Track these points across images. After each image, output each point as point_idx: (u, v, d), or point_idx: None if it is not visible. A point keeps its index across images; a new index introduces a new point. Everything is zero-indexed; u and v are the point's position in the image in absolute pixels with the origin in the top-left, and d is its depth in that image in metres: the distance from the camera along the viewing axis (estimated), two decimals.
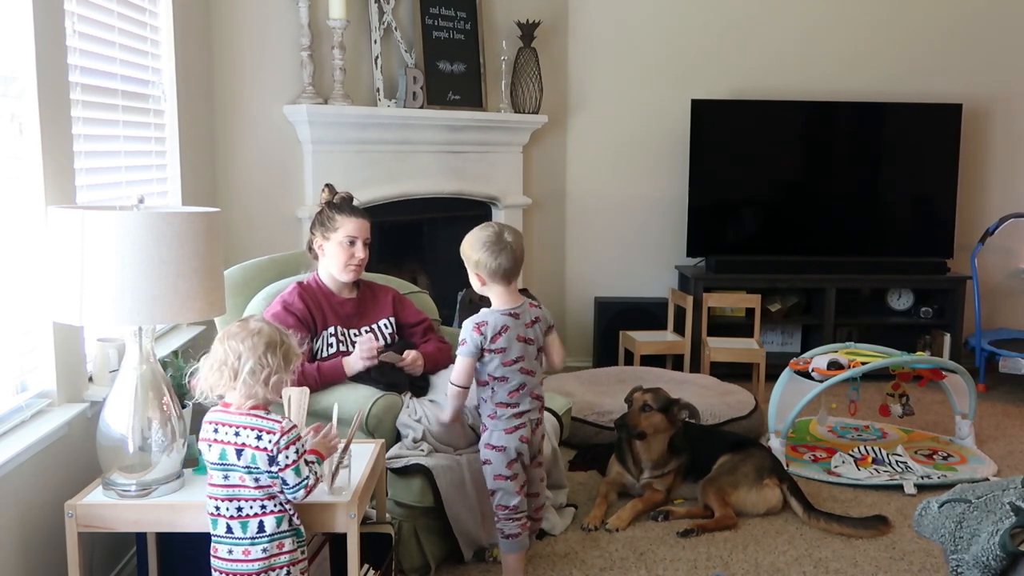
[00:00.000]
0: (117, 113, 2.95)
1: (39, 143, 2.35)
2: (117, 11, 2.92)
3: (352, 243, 3.15)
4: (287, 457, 2.05)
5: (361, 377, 3.11)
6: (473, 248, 2.82)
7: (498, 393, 2.85)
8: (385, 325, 3.29)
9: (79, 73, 2.64)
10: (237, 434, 2.07)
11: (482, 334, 2.80)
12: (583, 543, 3.32)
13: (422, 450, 2.97)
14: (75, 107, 2.60)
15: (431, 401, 3.12)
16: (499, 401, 2.85)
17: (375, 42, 4.43)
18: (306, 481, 2.08)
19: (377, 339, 3.23)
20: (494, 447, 2.86)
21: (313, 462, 2.14)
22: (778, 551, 3.28)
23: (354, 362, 3.08)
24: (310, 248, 3.25)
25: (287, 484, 2.07)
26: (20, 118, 2.33)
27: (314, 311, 3.14)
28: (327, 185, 3.25)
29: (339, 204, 3.19)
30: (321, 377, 3.04)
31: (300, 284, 3.19)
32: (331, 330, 3.16)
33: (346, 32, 4.17)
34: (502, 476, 2.86)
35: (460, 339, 2.82)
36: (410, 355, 3.19)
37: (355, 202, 3.25)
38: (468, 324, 2.82)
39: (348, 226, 3.15)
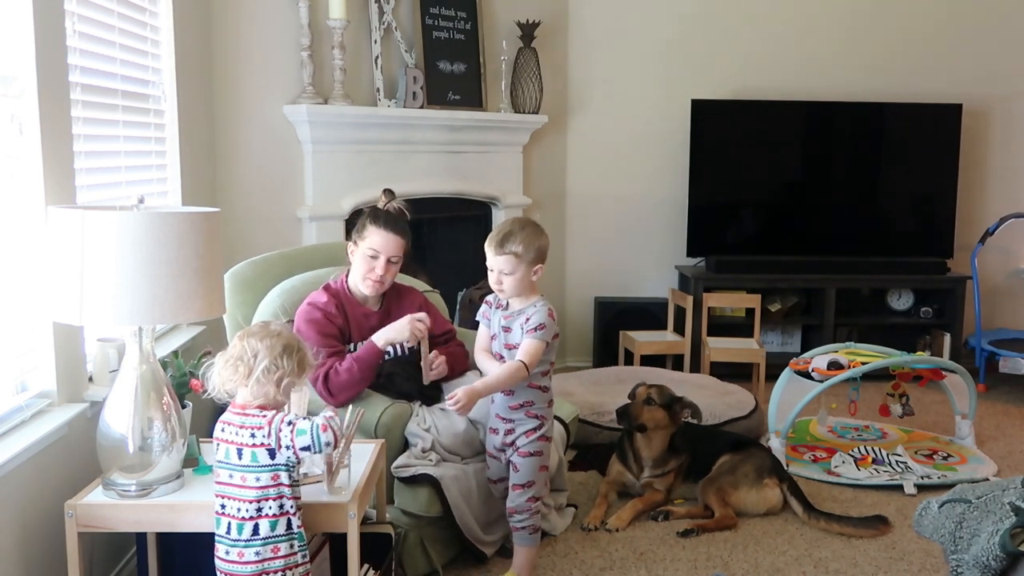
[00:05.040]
0: (117, 113, 2.95)
1: (39, 143, 2.35)
2: (117, 11, 2.92)
3: (374, 257, 2.99)
4: (286, 435, 2.06)
5: (371, 385, 3.03)
6: (543, 238, 2.75)
7: (551, 381, 2.83)
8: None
9: (79, 73, 2.64)
10: (237, 433, 2.08)
11: (555, 320, 2.75)
12: (583, 543, 3.32)
13: (430, 460, 2.93)
14: (75, 107, 2.60)
15: (441, 409, 3.01)
16: (550, 387, 2.84)
17: (375, 42, 4.43)
18: (316, 423, 2.05)
19: (396, 353, 3.08)
20: (548, 439, 2.84)
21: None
22: (778, 551, 3.28)
23: (386, 334, 2.94)
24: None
25: (307, 448, 2.06)
26: (20, 118, 2.32)
27: (343, 324, 3.02)
28: (387, 190, 3.10)
29: (375, 214, 3.02)
30: (359, 366, 2.89)
31: (329, 290, 3.05)
32: (351, 347, 3.03)
33: (346, 32, 4.17)
34: (545, 467, 2.85)
35: (537, 323, 2.71)
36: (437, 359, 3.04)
37: (400, 216, 3.04)
38: (544, 310, 2.74)
39: (374, 239, 2.97)
